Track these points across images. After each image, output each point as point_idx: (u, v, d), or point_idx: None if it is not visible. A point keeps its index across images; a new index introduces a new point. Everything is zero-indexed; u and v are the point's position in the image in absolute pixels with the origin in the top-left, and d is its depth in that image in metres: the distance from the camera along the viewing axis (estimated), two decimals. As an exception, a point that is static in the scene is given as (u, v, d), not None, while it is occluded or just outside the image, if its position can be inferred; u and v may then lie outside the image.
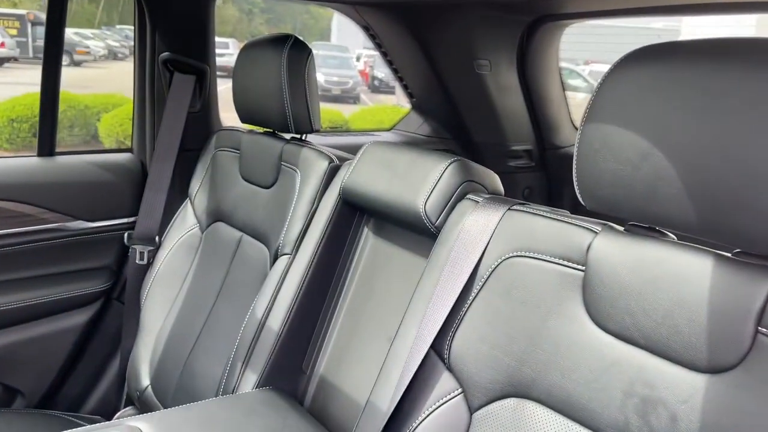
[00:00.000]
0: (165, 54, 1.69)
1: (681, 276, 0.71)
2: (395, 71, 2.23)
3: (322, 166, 1.33)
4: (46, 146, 1.67)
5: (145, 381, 1.54)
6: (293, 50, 1.39)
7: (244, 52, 1.51)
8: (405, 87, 2.28)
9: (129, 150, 1.82)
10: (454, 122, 2.23)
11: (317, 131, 1.44)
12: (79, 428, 1.02)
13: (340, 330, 1.26)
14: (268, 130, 1.53)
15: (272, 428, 1.09)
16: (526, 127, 2.20)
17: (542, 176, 2.28)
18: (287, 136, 1.49)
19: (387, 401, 0.93)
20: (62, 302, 1.66)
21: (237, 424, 1.09)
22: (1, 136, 6.89)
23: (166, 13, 1.67)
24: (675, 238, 0.77)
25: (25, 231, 1.60)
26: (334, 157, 1.34)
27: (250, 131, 1.57)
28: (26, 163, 1.66)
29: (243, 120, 1.55)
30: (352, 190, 1.23)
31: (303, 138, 1.49)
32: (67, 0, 1.57)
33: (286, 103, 1.38)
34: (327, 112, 8.30)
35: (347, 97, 14.34)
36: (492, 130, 2.20)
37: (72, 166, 1.69)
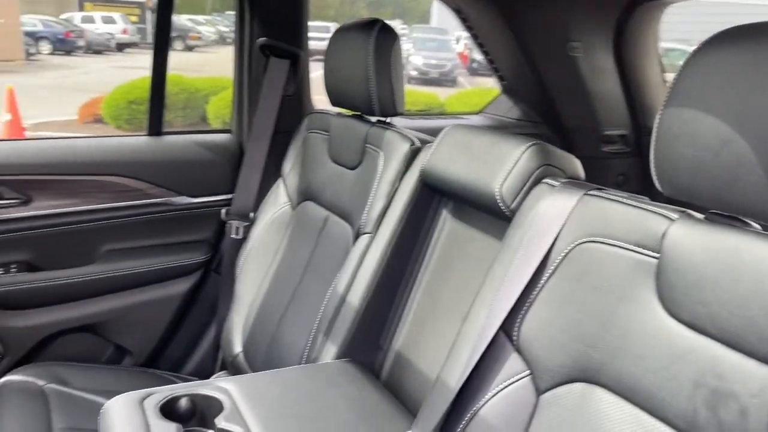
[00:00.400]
0: (261, 39, 1.77)
1: (761, 267, 0.69)
2: (486, 54, 2.21)
3: (404, 148, 1.36)
4: (155, 126, 1.81)
5: (238, 347, 1.65)
6: (380, 35, 1.42)
7: (335, 37, 1.56)
8: (495, 70, 2.26)
9: (228, 131, 1.94)
10: (545, 106, 2.19)
11: (401, 114, 1.47)
12: (177, 384, 1.12)
13: (417, 308, 1.30)
14: (355, 113, 1.58)
15: (349, 397, 1.15)
16: (621, 112, 2.12)
17: (637, 162, 2.20)
18: (373, 119, 1.53)
19: (456, 379, 0.96)
20: (166, 271, 1.80)
21: (316, 391, 1.15)
22: (121, 117, 7.43)
23: (263, 0, 1.76)
24: (760, 228, 0.74)
25: (135, 204, 1.75)
26: (415, 140, 1.37)
27: (339, 114, 1.63)
28: (137, 141, 1.80)
29: (332, 103, 1.60)
30: (431, 172, 1.25)
31: (388, 121, 1.52)
32: None
33: (371, 87, 1.42)
34: (422, 95, 8.29)
35: (445, 80, 14.26)
36: (585, 114, 2.15)
37: (177, 145, 1.82)
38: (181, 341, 1.87)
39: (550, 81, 2.13)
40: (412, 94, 8.32)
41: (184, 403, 1.08)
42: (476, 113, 2.39)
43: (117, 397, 1.06)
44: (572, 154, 1.14)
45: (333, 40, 1.56)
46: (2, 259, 1.63)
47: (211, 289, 1.86)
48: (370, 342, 1.31)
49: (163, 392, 1.08)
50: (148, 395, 1.07)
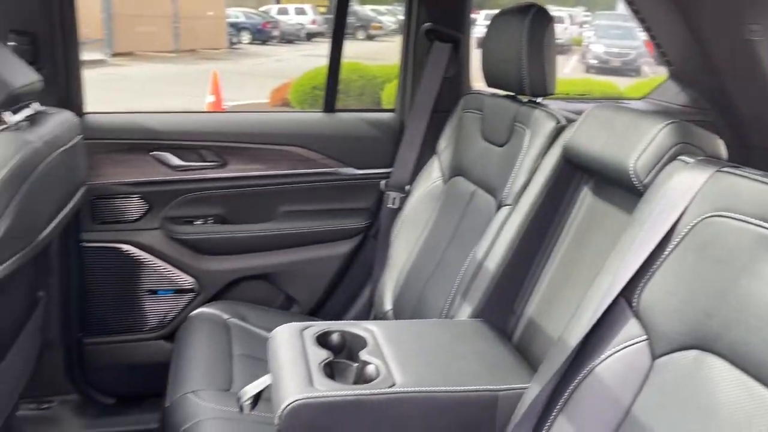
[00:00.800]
0: (426, 25, 1.92)
1: None
2: (652, 37, 2.15)
3: (550, 125, 1.43)
4: (329, 104, 2.04)
5: (388, 305, 1.82)
6: (534, 19, 1.49)
7: (493, 21, 1.65)
8: (662, 54, 2.19)
9: (392, 110, 2.11)
10: (716, 92, 2.09)
11: (551, 94, 1.53)
12: (332, 321, 1.31)
13: (552, 277, 1.37)
14: (508, 93, 1.66)
15: (477, 350, 1.26)
16: (805, 101, 1.96)
17: None
18: (525, 99, 1.61)
19: (575, 338, 1.03)
20: (331, 233, 2.03)
21: (448, 341, 1.28)
22: (305, 101, 8.06)
23: None
24: None
25: (309, 172, 1.99)
26: (561, 118, 1.43)
27: (493, 94, 1.72)
28: (313, 117, 2.05)
29: (487, 83, 1.70)
30: (572, 149, 1.31)
31: (539, 101, 1.59)
32: None
33: (523, 68, 1.50)
34: (599, 84, 7.98)
35: (627, 69, 13.49)
36: (763, 102, 2.01)
37: (347, 122, 2.03)
38: (340, 297, 2.09)
39: (723, 66, 2.02)
40: (589, 83, 8.04)
41: (335, 337, 1.26)
42: (639, 99, 2.33)
43: (283, 325, 1.27)
44: (747, 144, 1.13)
45: (491, 24, 1.65)
46: (201, 212, 1.95)
47: (368, 253, 2.06)
48: (504, 306, 1.40)
49: (319, 326, 1.27)
50: (308, 327, 1.26)
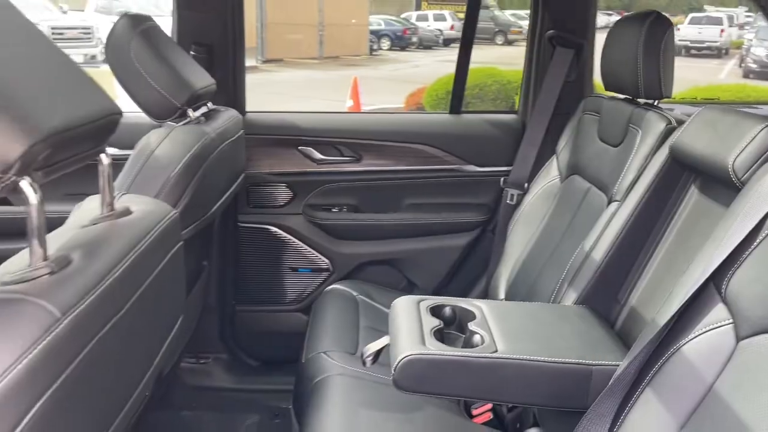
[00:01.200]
0: (550, 32, 2.03)
1: None
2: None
3: (660, 126, 1.50)
4: (455, 106, 2.21)
5: (501, 295, 1.95)
6: (652, 25, 1.57)
7: (614, 27, 1.73)
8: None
9: (514, 112, 2.24)
10: None
11: (667, 97, 1.59)
12: (445, 297, 1.47)
13: (656, 269, 1.44)
14: (626, 96, 1.73)
15: (577, 331, 1.37)
16: None
17: None
18: (642, 101, 1.67)
19: (665, 319, 1.12)
20: (451, 225, 2.20)
21: (550, 321, 1.40)
22: (439, 105, 8.27)
23: None
24: None
25: (434, 168, 2.17)
26: (673, 120, 1.49)
27: (611, 97, 1.80)
28: (440, 118, 2.23)
29: (605, 87, 1.78)
30: (678, 148, 1.38)
31: (654, 103, 1.65)
32: None
33: (639, 71, 1.57)
34: (756, 90, 7.45)
35: (792, 73, 12.35)
36: None
37: (471, 122, 2.19)
38: (456, 286, 2.25)
39: None
40: (744, 89, 7.53)
41: (447, 310, 1.42)
42: (775, 103, 2.27)
43: (402, 297, 1.46)
44: None
45: (612, 29, 1.73)
46: (338, 201, 2.20)
47: (485, 246, 2.20)
48: (609, 294, 1.49)
49: (434, 299, 1.44)
50: (424, 300, 1.44)
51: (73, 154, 0.75)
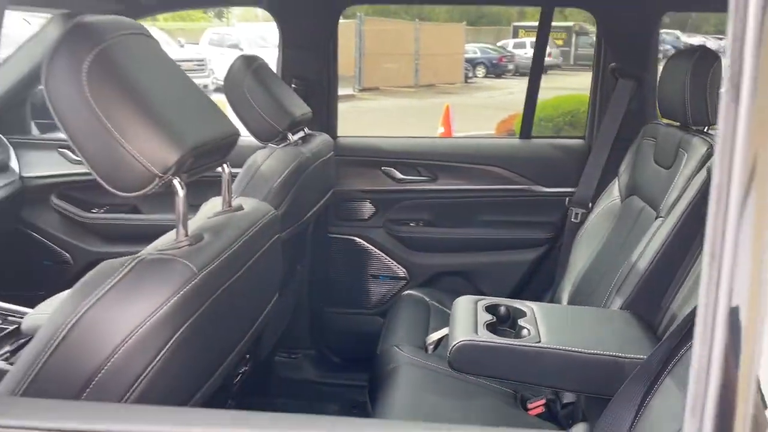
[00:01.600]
0: (612, 65, 2.20)
1: None
2: None
3: (703, 149, 1.64)
4: (526, 131, 2.41)
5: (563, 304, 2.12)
6: (699, 59, 1.72)
7: (670, 60, 1.89)
8: None
9: (582, 137, 2.41)
10: None
11: (713, 124, 1.73)
12: (501, 297, 1.67)
13: (697, 277, 1.57)
14: (679, 123, 1.88)
15: (618, 331, 1.53)
16: None
17: None
18: (694, 128, 1.82)
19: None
20: (519, 241, 2.39)
21: (592, 322, 1.57)
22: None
23: (615, 29, 2.18)
24: None
25: (504, 188, 2.38)
26: (714, 144, 1.63)
27: (668, 124, 1.95)
28: (512, 142, 2.44)
29: (661, 114, 1.94)
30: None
31: (705, 129, 1.79)
32: (551, 14, 2.24)
33: (686, 101, 1.73)
34: None
35: None
36: None
37: (540, 147, 2.39)
38: (524, 298, 2.41)
39: None
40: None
41: (502, 309, 1.63)
42: None
43: (463, 296, 1.67)
44: None
45: (667, 62, 1.90)
46: (414, 216, 2.45)
47: (551, 262, 2.37)
48: (653, 301, 1.64)
49: (491, 299, 1.65)
50: (481, 299, 1.65)
51: (207, 162, 1.04)
